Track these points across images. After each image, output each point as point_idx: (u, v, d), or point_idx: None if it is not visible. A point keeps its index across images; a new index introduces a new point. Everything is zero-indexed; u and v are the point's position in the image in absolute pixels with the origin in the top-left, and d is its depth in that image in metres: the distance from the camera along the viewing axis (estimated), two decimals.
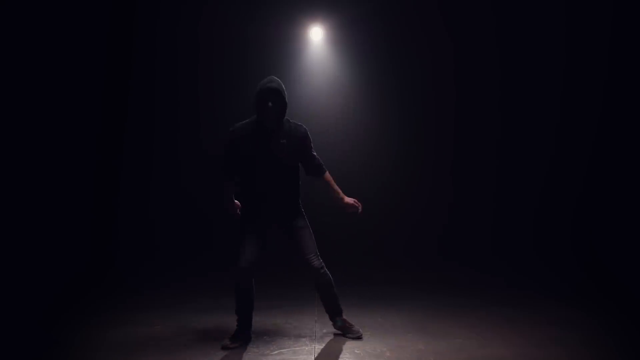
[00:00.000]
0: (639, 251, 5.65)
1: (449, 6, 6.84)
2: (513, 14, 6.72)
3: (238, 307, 3.39)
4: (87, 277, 5.40)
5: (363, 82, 7.04)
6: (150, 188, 6.85)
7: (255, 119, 3.30)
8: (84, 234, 5.93)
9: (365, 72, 7.01)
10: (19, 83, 5.33)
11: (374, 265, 6.13)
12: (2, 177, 5.15)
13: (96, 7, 5.97)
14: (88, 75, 6.01)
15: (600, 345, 3.35)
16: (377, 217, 6.88)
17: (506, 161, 6.95)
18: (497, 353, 3.18)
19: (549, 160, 6.82)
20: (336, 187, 3.47)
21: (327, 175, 3.49)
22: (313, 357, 3.11)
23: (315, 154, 3.44)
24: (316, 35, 7.02)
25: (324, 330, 3.64)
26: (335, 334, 3.55)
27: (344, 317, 3.54)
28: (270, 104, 3.18)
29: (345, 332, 3.51)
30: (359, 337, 3.46)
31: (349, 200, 3.46)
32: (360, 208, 3.46)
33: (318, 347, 3.29)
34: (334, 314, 3.52)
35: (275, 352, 3.19)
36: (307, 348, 3.27)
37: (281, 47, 6.97)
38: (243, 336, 3.38)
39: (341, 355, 3.17)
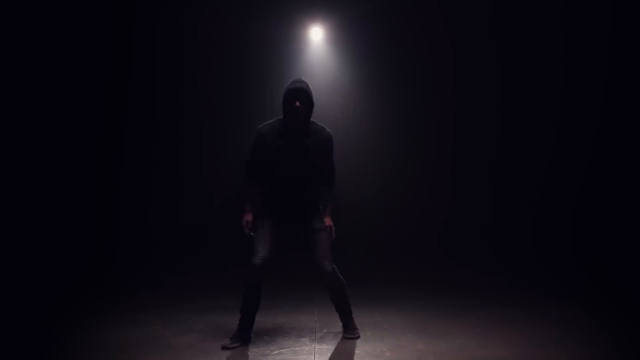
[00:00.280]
0: (639, 251, 5.65)
1: (449, 6, 6.84)
2: (513, 14, 6.72)
3: (243, 304, 3.39)
4: (87, 276, 5.40)
5: (363, 82, 7.05)
6: (150, 188, 6.85)
7: (282, 118, 3.35)
8: (84, 234, 5.93)
9: (365, 72, 7.01)
10: (19, 83, 5.33)
11: (374, 265, 6.13)
12: (2, 177, 5.15)
13: (96, 7, 5.97)
14: (88, 75, 6.00)
15: (600, 345, 3.35)
16: (377, 217, 6.89)
17: (506, 161, 6.95)
18: (497, 353, 3.18)
19: (548, 160, 6.83)
20: (327, 203, 3.49)
21: (329, 190, 3.50)
22: (313, 357, 3.11)
23: (333, 163, 3.49)
24: (316, 35, 7.02)
25: (324, 330, 3.65)
26: (335, 334, 3.55)
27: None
28: (297, 103, 3.23)
29: (345, 332, 3.52)
30: (357, 337, 3.47)
31: (327, 221, 3.45)
32: (332, 236, 3.44)
33: (318, 347, 3.29)
34: (345, 314, 3.53)
35: (275, 352, 3.19)
36: (307, 348, 3.27)
37: (281, 47, 6.97)
38: (243, 336, 3.38)
39: (341, 355, 3.17)
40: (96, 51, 6.04)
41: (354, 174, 6.55)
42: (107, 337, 3.44)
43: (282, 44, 6.95)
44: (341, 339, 3.45)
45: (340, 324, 3.59)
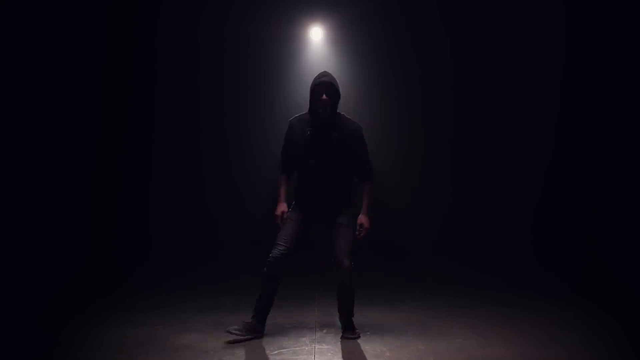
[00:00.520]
0: (638, 251, 5.65)
1: (448, 6, 6.84)
2: (512, 14, 6.71)
3: (260, 294, 3.45)
4: (87, 276, 5.40)
5: (363, 82, 7.04)
6: (150, 188, 6.85)
7: (309, 111, 3.45)
8: (84, 234, 5.93)
9: (365, 72, 7.00)
10: (19, 83, 5.32)
11: (373, 265, 6.13)
12: (3, 177, 5.15)
13: (96, 7, 5.97)
14: (88, 76, 6.00)
15: (600, 345, 3.36)
16: (377, 217, 6.87)
17: (505, 161, 6.95)
18: (497, 353, 3.18)
19: (548, 160, 6.82)
20: (365, 202, 3.49)
21: (368, 185, 3.52)
22: (313, 357, 3.11)
23: (368, 157, 3.51)
24: (316, 35, 7.02)
25: (324, 331, 3.65)
26: (335, 334, 3.55)
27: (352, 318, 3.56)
28: (324, 96, 3.32)
29: (345, 332, 3.51)
30: (357, 337, 3.47)
31: (362, 219, 3.44)
32: (361, 234, 3.42)
33: (318, 347, 3.29)
34: (347, 314, 3.52)
35: (275, 352, 3.19)
36: (307, 348, 3.27)
37: (281, 47, 6.97)
38: (253, 329, 3.40)
39: (341, 355, 3.17)
40: (96, 51, 6.04)
41: None
42: (107, 337, 3.44)
43: (282, 44, 6.95)
44: (341, 339, 3.45)
45: (340, 324, 3.59)
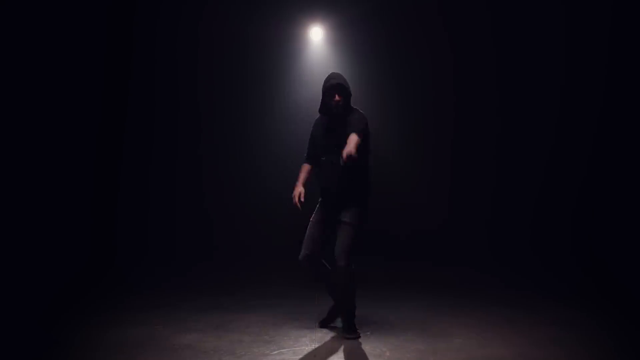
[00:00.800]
0: (638, 251, 5.66)
1: (448, 6, 6.84)
2: (512, 14, 6.72)
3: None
4: (86, 277, 5.40)
5: (363, 82, 7.02)
6: (150, 188, 6.86)
7: (322, 112, 3.63)
8: (84, 235, 5.93)
9: (365, 72, 7.00)
10: (19, 83, 5.33)
11: (373, 265, 6.13)
12: (2, 177, 5.15)
13: (96, 7, 5.97)
14: (88, 75, 6.00)
15: (599, 345, 3.36)
16: (376, 217, 6.87)
17: (505, 161, 6.95)
18: (497, 353, 3.19)
19: (547, 160, 6.82)
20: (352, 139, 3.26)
21: (354, 136, 3.28)
22: (313, 357, 3.12)
23: (359, 133, 3.30)
24: (316, 35, 7.02)
25: (324, 330, 3.65)
26: (335, 334, 3.56)
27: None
28: (337, 97, 3.48)
29: (345, 332, 3.52)
30: (357, 337, 3.47)
31: (347, 149, 3.16)
32: (343, 156, 3.13)
33: (318, 347, 3.29)
34: (346, 313, 3.54)
35: (275, 352, 3.19)
36: (307, 348, 3.27)
37: (281, 47, 6.97)
38: (329, 318, 3.73)
39: (341, 355, 3.17)
40: (96, 51, 6.04)
41: None
42: (107, 337, 3.44)
43: (282, 44, 6.95)
44: (341, 339, 3.45)
45: (340, 324, 3.60)
